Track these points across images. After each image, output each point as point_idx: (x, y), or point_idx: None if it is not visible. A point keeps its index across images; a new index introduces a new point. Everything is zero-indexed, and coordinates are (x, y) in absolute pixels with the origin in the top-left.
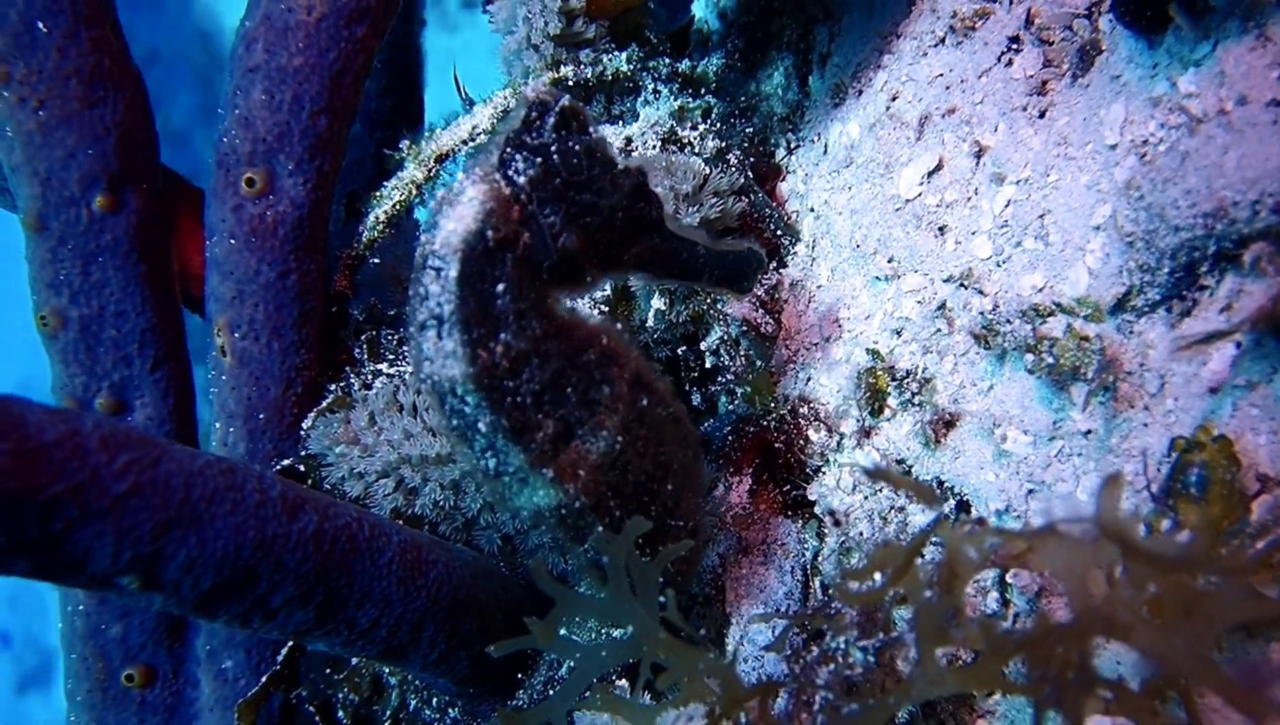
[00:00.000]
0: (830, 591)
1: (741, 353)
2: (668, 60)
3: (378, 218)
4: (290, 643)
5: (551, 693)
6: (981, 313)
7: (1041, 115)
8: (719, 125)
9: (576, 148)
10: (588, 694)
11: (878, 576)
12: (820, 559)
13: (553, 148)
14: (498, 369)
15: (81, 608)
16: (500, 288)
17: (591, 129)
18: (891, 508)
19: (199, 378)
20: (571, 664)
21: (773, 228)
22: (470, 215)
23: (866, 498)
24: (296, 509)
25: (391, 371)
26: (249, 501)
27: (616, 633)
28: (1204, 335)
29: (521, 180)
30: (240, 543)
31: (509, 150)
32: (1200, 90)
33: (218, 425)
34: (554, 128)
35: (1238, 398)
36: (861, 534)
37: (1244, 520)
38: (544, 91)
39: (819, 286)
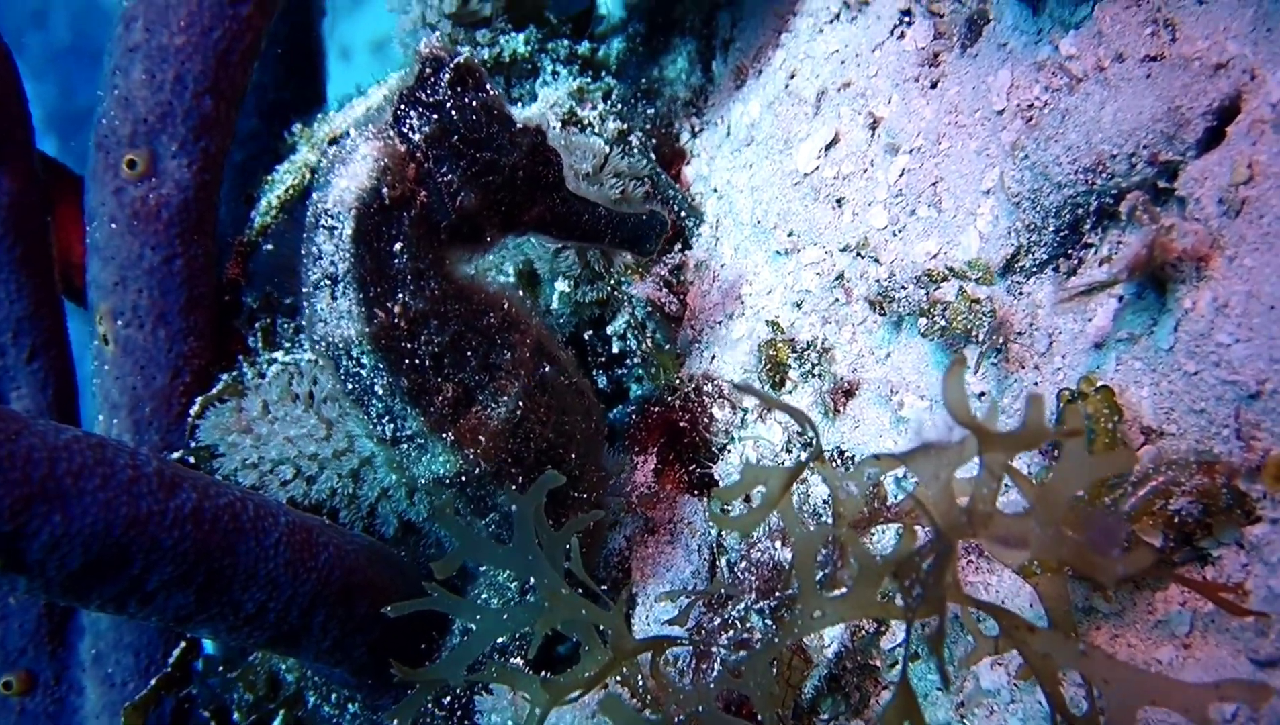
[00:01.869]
0: (734, 567)
1: (648, 336)
2: (567, 42)
3: (270, 203)
4: (182, 645)
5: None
6: (878, 281)
7: (933, 85)
8: (620, 107)
9: (473, 104)
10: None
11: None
12: (725, 536)
13: (448, 104)
14: (395, 329)
15: None
16: (397, 247)
17: (488, 86)
18: None
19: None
20: (472, 627)
21: (676, 210)
22: (364, 172)
23: (770, 467)
24: (174, 486)
25: (287, 359)
26: (120, 477)
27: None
28: (1085, 287)
29: (416, 137)
30: (111, 519)
31: (403, 107)
32: (1080, 51)
33: (101, 417)
34: (449, 84)
35: (1121, 352)
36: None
37: (1128, 471)
38: (438, 48)
39: (722, 265)
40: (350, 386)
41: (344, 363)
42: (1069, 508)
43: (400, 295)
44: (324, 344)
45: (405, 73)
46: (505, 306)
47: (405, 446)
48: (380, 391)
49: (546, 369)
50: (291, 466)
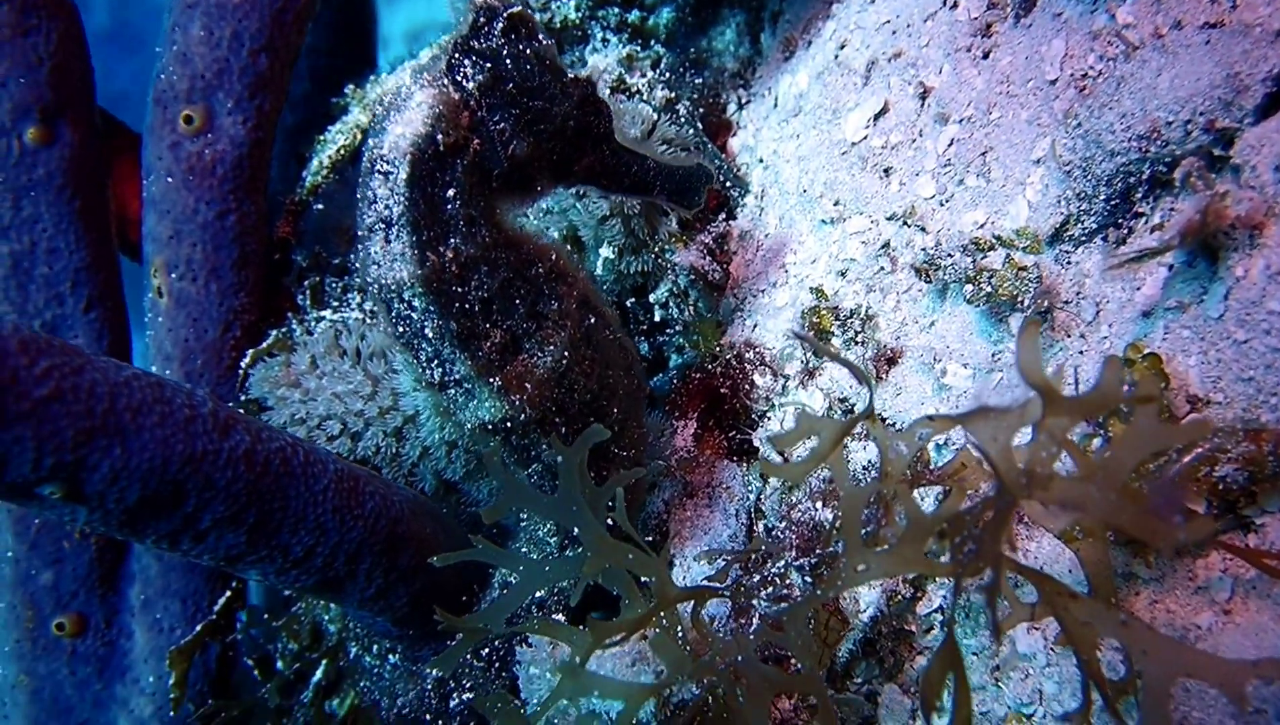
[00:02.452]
0: (771, 530)
1: (690, 303)
2: (617, 10)
3: (321, 163)
4: (227, 594)
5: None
6: (924, 249)
7: (985, 55)
8: (668, 76)
9: (526, 53)
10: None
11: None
12: (764, 500)
13: (502, 52)
14: (446, 272)
15: (10, 554)
16: (451, 192)
17: (540, 35)
18: None
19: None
20: (515, 577)
21: (722, 180)
22: (419, 119)
23: (824, 418)
24: (228, 427)
25: (335, 317)
26: (178, 416)
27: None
28: (1135, 253)
29: (470, 85)
30: (168, 456)
31: (457, 55)
32: (1137, 19)
33: (153, 368)
34: (502, 32)
35: (1169, 320)
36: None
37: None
38: None
39: (767, 235)
40: (401, 330)
41: (396, 306)
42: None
43: (453, 239)
44: (377, 287)
45: (460, 21)
46: (554, 258)
47: (453, 391)
48: (430, 335)
49: (592, 321)
50: (338, 422)
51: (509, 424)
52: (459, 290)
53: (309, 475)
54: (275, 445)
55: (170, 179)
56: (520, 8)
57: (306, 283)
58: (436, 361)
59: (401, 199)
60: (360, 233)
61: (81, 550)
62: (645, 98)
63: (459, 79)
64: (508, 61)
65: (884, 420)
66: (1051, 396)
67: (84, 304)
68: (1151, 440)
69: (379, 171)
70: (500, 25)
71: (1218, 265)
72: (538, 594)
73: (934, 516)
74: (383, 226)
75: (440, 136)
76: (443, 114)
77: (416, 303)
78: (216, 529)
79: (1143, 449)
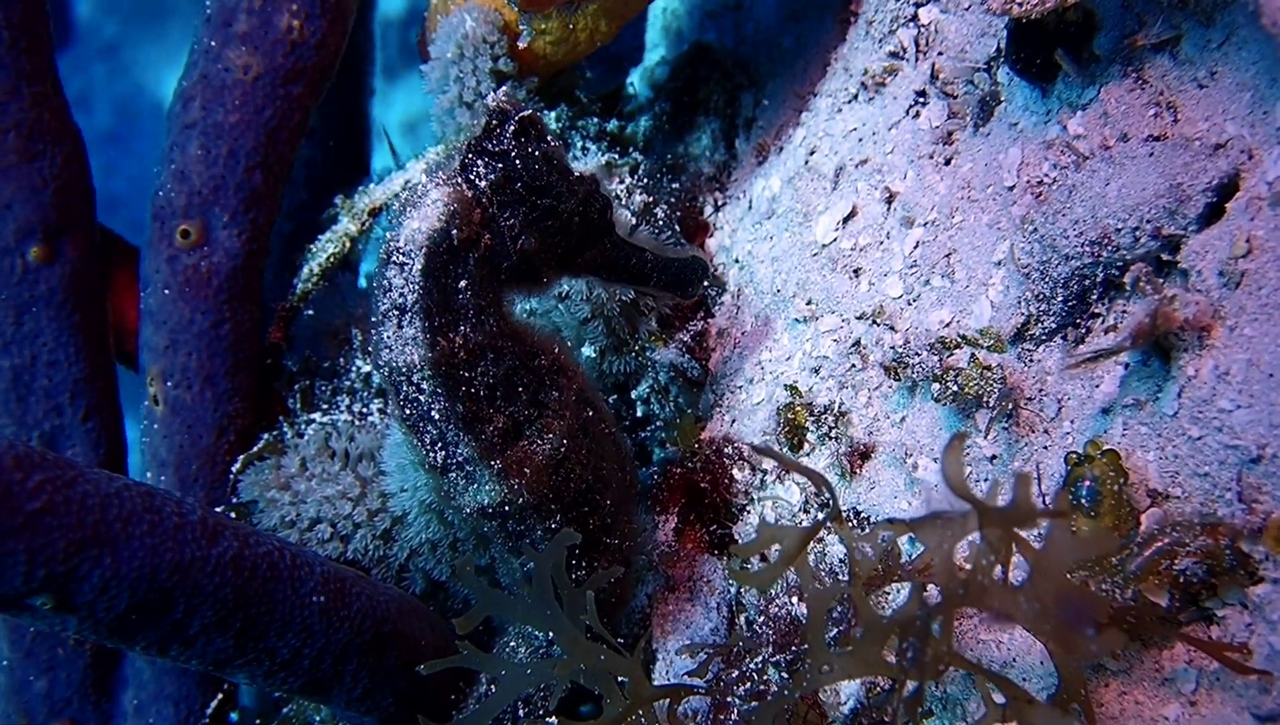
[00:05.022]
0: (752, 623)
1: (671, 400)
2: (596, 120)
3: (312, 270)
4: (219, 697)
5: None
6: (893, 347)
7: (947, 162)
8: (647, 181)
9: (536, 154)
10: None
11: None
12: (744, 594)
13: (513, 154)
14: (455, 357)
15: (5, 662)
16: (462, 283)
17: (549, 137)
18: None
19: (132, 435)
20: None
21: None
22: (435, 215)
23: (787, 527)
24: (216, 534)
25: (325, 419)
26: (167, 524)
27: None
28: (1092, 353)
29: (483, 184)
30: (157, 564)
31: (470, 156)
32: (1087, 131)
33: (149, 474)
34: (513, 135)
35: (1127, 417)
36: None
37: (1134, 532)
38: (504, 101)
39: (743, 333)
40: (408, 412)
41: (405, 388)
42: (1063, 582)
43: (462, 327)
44: (388, 370)
45: (472, 125)
46: (555, 351)
47: (454, 474)
48: (436, 417)
49: (589, 414)
50: (328, 524)
51: (506, 508)
52: (466, 375)
53: (296, 578)
54: (263, 549)
55: (167, 291)
56: (531, 111)
57: (297, 387)
58: (440, 444)
59: (416, 287)
60: (374, 319)
61: (76, 657)
62: (624, 202)
63: (472, 177)
64: (518, 162)
65: (859, 514)
66: (981, 509)
67: (82, 413)
68: (1067, 552)
69: (395, 262)
70: (512, 128)
71: (1170, 365)
72: (526, 690)
73: (889, 621)
74: (397, 313)
75: (454, 231)
76: (456, 210)
77: (425, 385)
78: (204, 634)
79: (1061, 561)
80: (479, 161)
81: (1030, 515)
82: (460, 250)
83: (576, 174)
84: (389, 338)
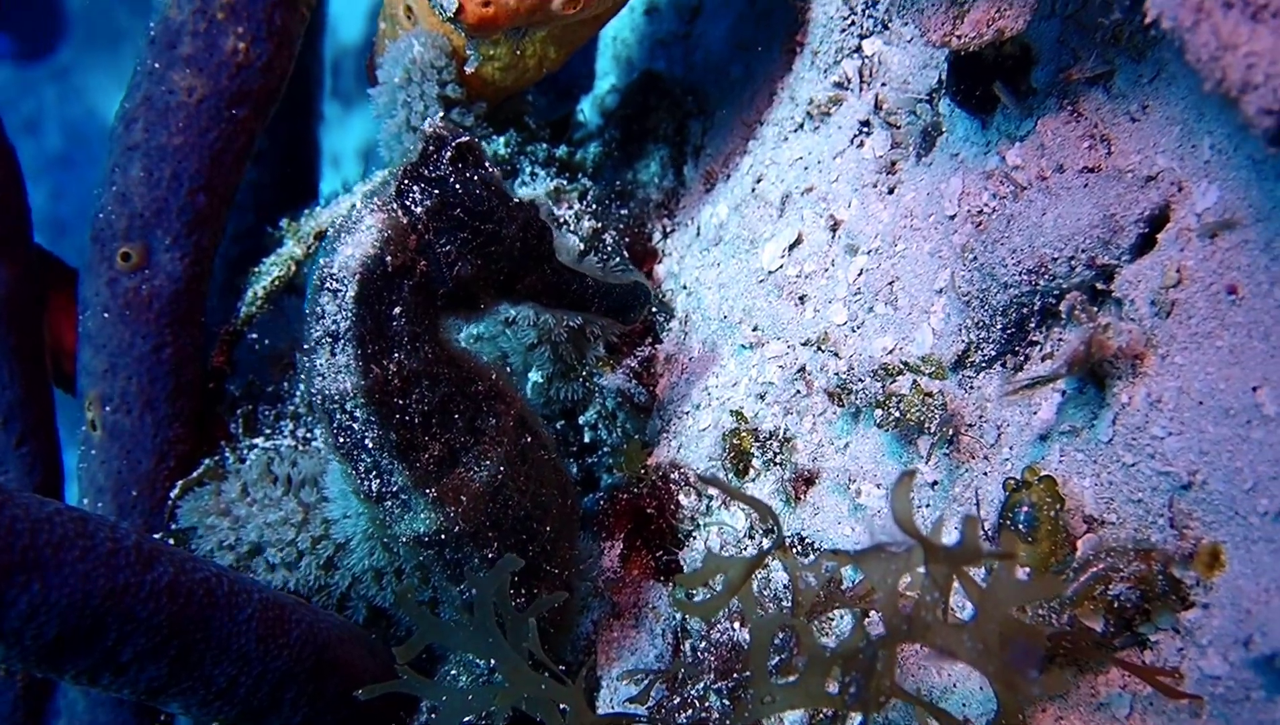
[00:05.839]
0: (695, 649)
1: (618, 426)
2: (545, 146)
3: (256, 293)
4: None
5: None
6: (837, 374)
7: (890, 191)
8: (595, 207)
9: (473, 179)
10: None
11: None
12: (689, 620)
13: (452, 180)
14: (389, 385)
15: None
16: (397, 311)
17: (487, 163)
18: None
19: (69, 461)
20: (439, 706)
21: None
22: (369, 241)
23: (731, 558)
24: (151, 560)
25: (267, 444)
26: (100, 549)
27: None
28: (1029, 381)
29: (418, 210)
30: (89, 591)
31: (406, 181)
32: (1024, 162)
33: (86, 500)
34: (450, 161)
35: (1064, 443)
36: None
37: (1070, 558)
38: (440, 127)
39: (690, 358)
40: (342, 441)
41: (338, 416)
42: (1007, 622)
43: (396, 354)
44: (320, 397)
45: (409, 150)
46: (493, 377)
47: (389, 503)
48: (370, 445)
49: (528, 440)
50: (273, 549)
51: (443, 537)
52: (400, 402)
53: (233, 605)
54: (199, 575)
55: (107, 314)
56: (468, 137)
57: (240, 411)
58: (375, 472)
59: (349, 314)
60: (306, 346)
61: (5, 688)
62: (572, 228)
63: (408, 204)
64: (455, 188)
65: (803, 540)
66: (927, 546)
67: (16, 439)
68: (1010, 595)
69: (328, 289)
70: (449, 154)
71: (1105, 392)
72: (468, 718)
73: (832, 654)
74: (329, 340)
75: (389, 258)
76: (391, 237)
77: (358, 413)
78: (138, 662)
79: (1004, 602)
80: (415, 187)
81: (977, 555)
82: (394, 276)
83: (515, 200)
84: (321, 366)
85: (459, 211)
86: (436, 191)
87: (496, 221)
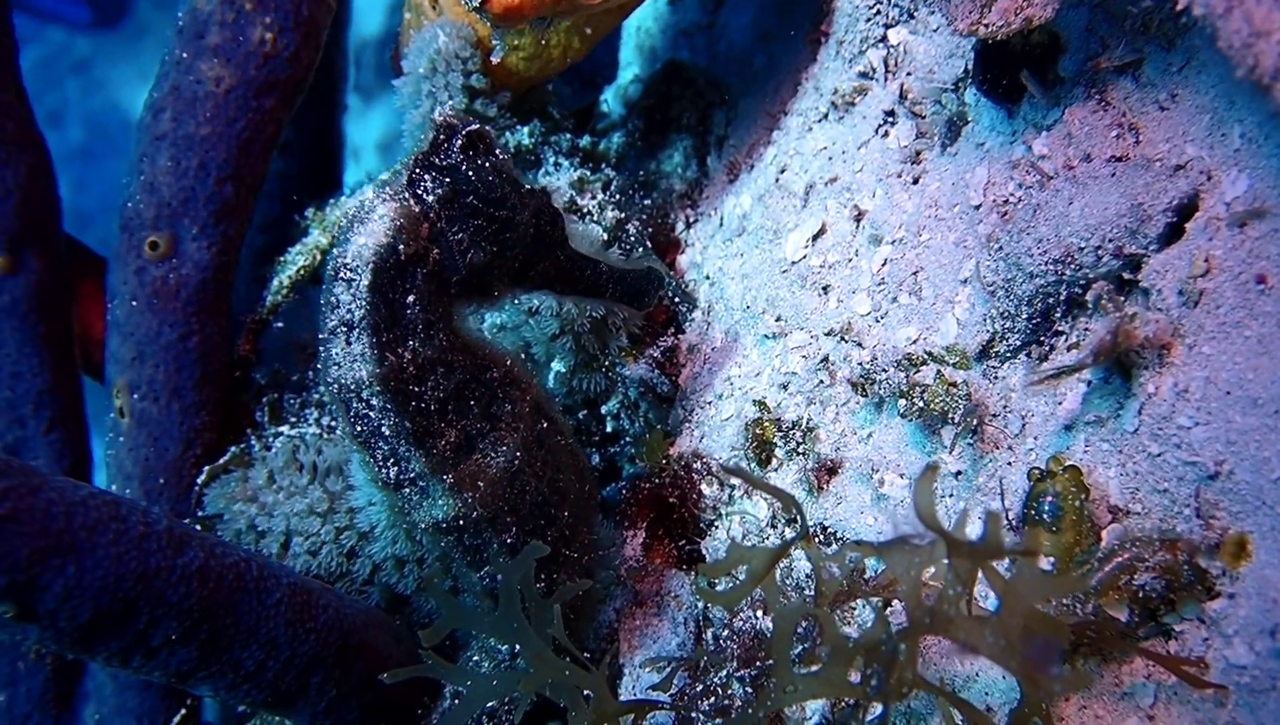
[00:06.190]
0: (717, 637)
1: (640, 415)
2: (569, 136)
3: (281, 283)
4: (181, 713)
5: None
6: (860, 364)
7: (915, 181)
8: (618, 197)
9: (484, 167)
10: None
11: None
12: (711, 609)
13: (463, 168)
14: (404, 372)
15: None
16: (410, 299)
17: (498, 151)
18: None
19: (97, 448)
20: (463, 690)
21: (671, 296)
22: (381, 231)
23: (755, 547)
24: (182, 544)
25: (293, 432)
26: (132, 533)
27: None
28: (1055, 370)
29: (430, 199)
30: (121, 574)
31: (418, 171)
32: (1051, 151)
33: (113, 487)
34: (461, 149)
35: (1089, 434)
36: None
37: (1095, 548)
38: (451, 116)
39: (713, 348)
40: (359, 429)
41: (354, 405)
42: (1031, 615)
43: (411, 342)
44: (337, 387)
45: (421, 139)
46: (508, 364)
47: (407, 490)
48: (387, 433)
49: (544, 426)
50: (297, 537)
51: (461, 522)
52: (416, 390)
53: (262, 590)
54: (229, 560)
55: (135, 302)
56: (479, 125)
57: (265, 400)
58: (392, 459)
59: (363, 303)
60: (322, 336)
61: (36, 671)
62: (596, 219)
63: (420, 192)
64: (466, 176)
65: (826, 529)
66: (950, 541)
67: (45, 426)
68: (1033, 591)
69: (342, 278)
70: (459, 142)
71: (1131, 382)
72: (490, 704)
73: (855, 644)
74: (344, 329)
75: (401, 247)
76: (404, 226)
77: (374, 402)
78: (168, 646)
79: (1028, 598)
80: (426, 176)
81: (999, 551)
82: (408, 265)
83: (527, 187)
84: (337, 355)
85: (471, 199)
86: (448, 180)
87: (509, 208)
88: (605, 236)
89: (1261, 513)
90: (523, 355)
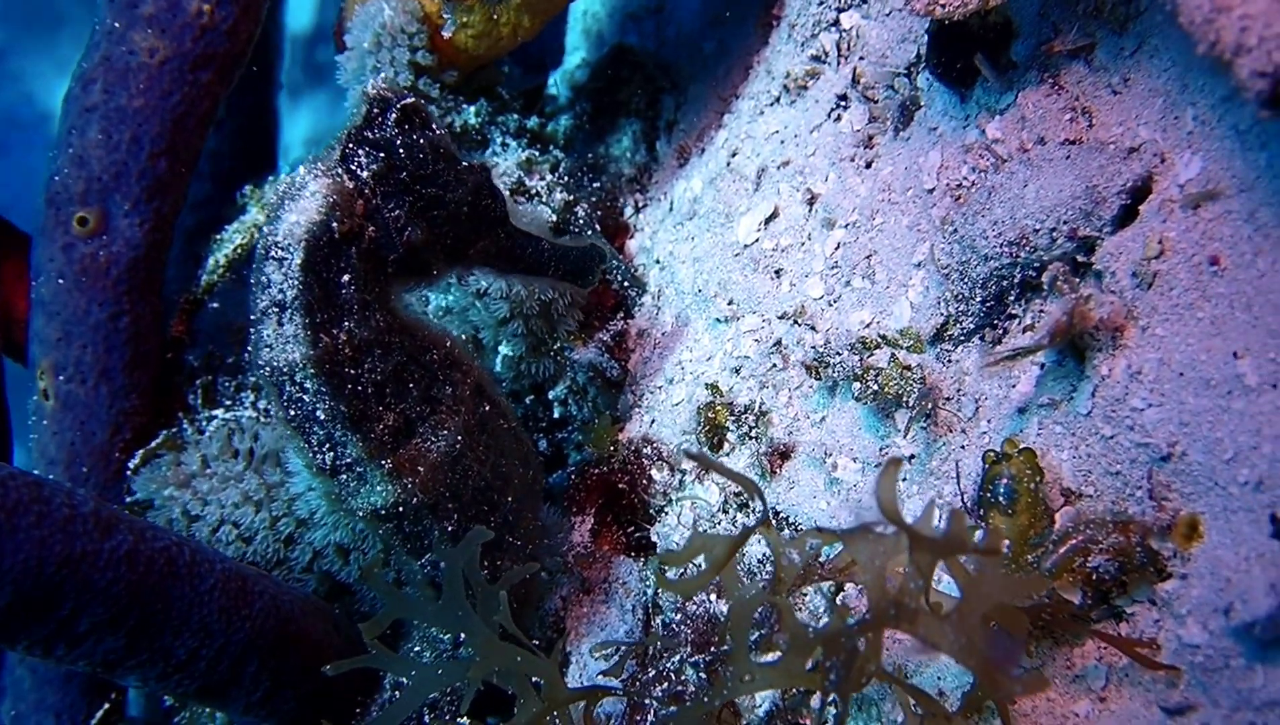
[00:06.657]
0: (669, 622)
1: (589, 401)
2: (516, 116)
3: (217, 261)
4: (105, 707)
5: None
6: (814, 347)
7: (868, 165)
8: (567, 179)
9: (420, 142)
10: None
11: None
12: (660, 595)
13: (396, 142)
14: (339, 354)
15: None
16: (345, 278)
17: (434, 125)
18: None
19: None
20: (405, 681)
21: (620, 280)
22: (314, 207)
23: (716, 535)
24: (110, 527)
25: (228, 416)
26: (56, 515)
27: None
28: (1009, 353)
29: (364, 174)
30: (44, 557)
31: (351, 145)
32: (1005, 135)
33: (36, 472)
34: (396, 123)
35: (1042, 416)
36: (700, 567)
37: (1049, 531)
38: (384, 89)
39: (663, 333)
40: (292, 413)
41: (288, 388)
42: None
43: (346, 322)
44: (269, 370)
45: (354, 113)
46: (448, 345)
47: (345, 476)
48: (322, 416)
49: (486, 409)
50: (230, 527)
51: (400, 509)
52: (351, 372)
53: (194, 575)
54: (160, 544)
55: (61, 280)
56: (413, 99)
57: (199, 382)
58: (328, 445)
59: (296, 283)
60: (253, 317)
61: None
62: (544, 200)
63: (353, 168)
64: (401, 151)
65: (778, 514)
66: (912, 536)
67: None
68: (993, 590)
69: (274, 257)
70: (394, 116)
71: (1085, 364)
72: (431, 695)
73: (815, 635)
74: (276, 310)
75: (335, 224)
76: (337, 202)
77: (309, 384)
78: (95, 633)
79: (989, 599)
80: (360, 151)
81: (963, 547)
82: (342, 243)
83: (466, 163)
84: (269, 336)
85: (406, 175)
86: (383, 155)
87: (445, 185)
88: (555, 219)
89: (1213, 493)
90: (468, 340)
